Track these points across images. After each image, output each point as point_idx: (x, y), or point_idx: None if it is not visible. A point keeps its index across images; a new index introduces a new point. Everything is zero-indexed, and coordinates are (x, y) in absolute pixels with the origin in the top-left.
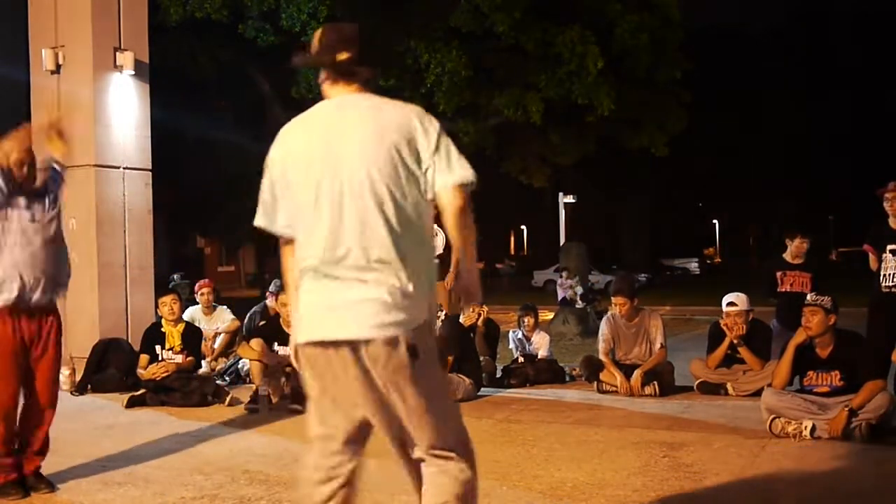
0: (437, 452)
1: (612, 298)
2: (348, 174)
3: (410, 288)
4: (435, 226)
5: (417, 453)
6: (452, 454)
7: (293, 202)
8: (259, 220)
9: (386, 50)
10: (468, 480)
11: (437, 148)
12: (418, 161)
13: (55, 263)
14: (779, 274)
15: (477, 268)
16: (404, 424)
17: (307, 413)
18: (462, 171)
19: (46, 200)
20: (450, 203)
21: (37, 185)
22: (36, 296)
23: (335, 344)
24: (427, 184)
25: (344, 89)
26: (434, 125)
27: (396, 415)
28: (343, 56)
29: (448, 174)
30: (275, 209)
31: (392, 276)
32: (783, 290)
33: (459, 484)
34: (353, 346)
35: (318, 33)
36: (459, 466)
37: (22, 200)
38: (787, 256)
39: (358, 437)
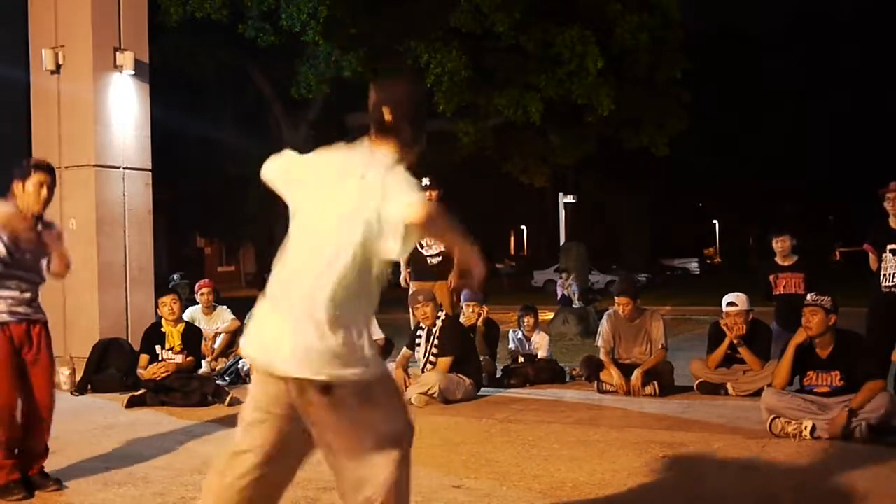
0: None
1: (616, 299)
2: (326, 224)
3: (347, 344)
4: None
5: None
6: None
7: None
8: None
9: (386, 50)
10: None
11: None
12: (383, 218)
13: (38, 276)
14: (772, 277)
15: (477, 258)
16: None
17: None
18: (412, 194)
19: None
20: (417, 218)
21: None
22: (22, 308)
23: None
24: (386, 229)
25: (381, 144)
26: (412, 188)
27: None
28: (387, 116)
29: (400, 204)
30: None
31: (333, 330)
32: (778, 292)
33: None
34: (289, 381)
35: (372, 88)
36: None
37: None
38: (778, 259)
39: (275, 458)
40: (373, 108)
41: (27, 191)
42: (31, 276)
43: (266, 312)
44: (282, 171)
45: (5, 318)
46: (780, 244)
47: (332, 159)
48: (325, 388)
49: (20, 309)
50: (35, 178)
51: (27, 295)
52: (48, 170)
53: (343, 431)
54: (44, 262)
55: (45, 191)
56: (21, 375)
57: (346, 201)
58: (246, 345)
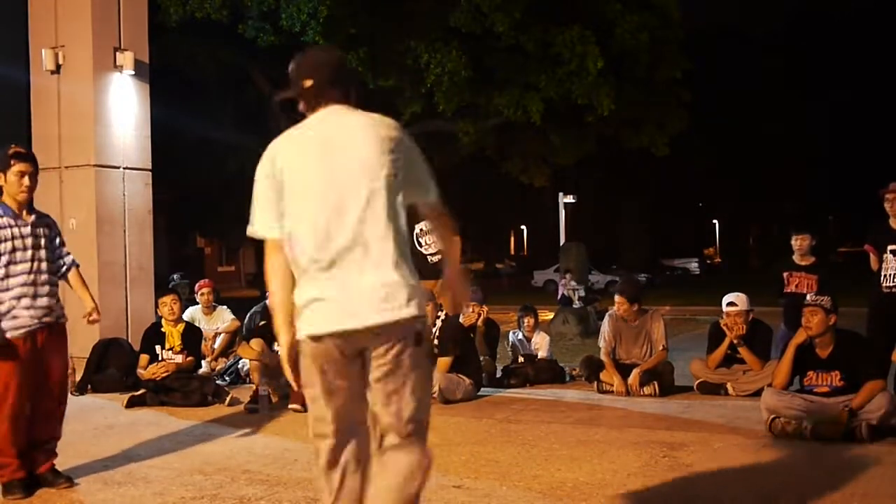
0: (406, 438)
1: (615, 298)
2: (347, 176)
3: (411, 279)
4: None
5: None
6: (420, 442)
7: (292, 207)
8: (258, 229)
9: (386, 50)
10: (428, 468)
11: (416, 162)
12: (400, 167)
13: (55, 282)
14: (786, 274)
15: (460, 272)
16: (384, 409)
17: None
18: (434, 188)
19: (45, 230)
20: (438, 215)
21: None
22: (50, 317)
23: (350, 333)
24: (404, 193)
25: (322, 109)
26: (412, 142)
27: (385, 399)
28: (307, 83)
29: (428, 191)
30: (273, 217)
31: (395, 268)
32: (788, 290)
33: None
34: (368, 331)
35: (290, 67)
36: (425, 453)
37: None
38: (796, 257)
39: (353, 427)
40: (294, 83)
41: (9, 181)
42: (54, 280)
43: (319, 281)
44: (268, 177)
45: (35, 326)
46: (799, 242)
47: (302, 135)
48: (418, 324)
49: (48, 318)
50: (15, 168)
51: (53, 301)
52: (28, 158)
53: (413, 367)
54: (59, 262)
55: (26, 179)
56: (37, 374)
57: (356, 149)
58: (313, 322)
